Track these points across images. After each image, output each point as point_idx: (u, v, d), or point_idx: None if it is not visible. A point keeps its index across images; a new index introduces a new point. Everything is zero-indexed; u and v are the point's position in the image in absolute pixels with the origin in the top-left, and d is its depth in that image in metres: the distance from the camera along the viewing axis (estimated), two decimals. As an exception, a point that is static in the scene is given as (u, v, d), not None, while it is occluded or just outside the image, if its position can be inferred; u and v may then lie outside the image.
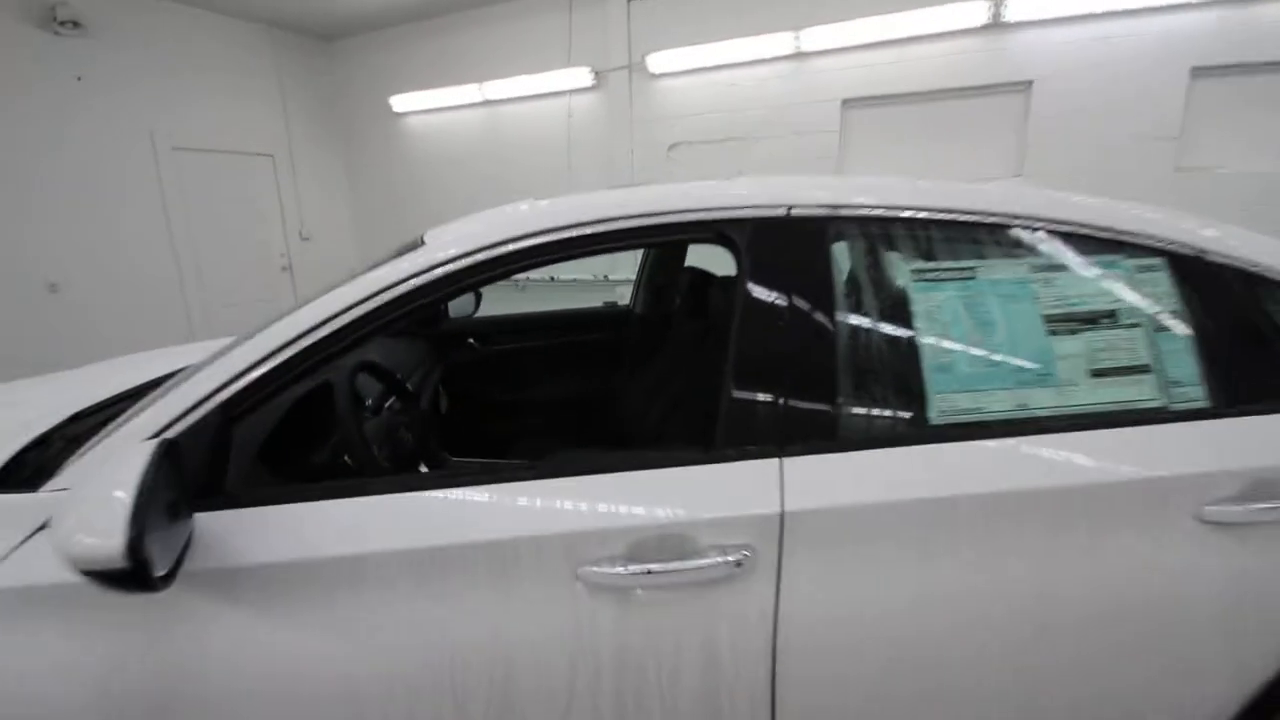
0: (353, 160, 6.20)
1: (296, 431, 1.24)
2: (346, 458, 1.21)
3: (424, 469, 1.40)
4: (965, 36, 3.91)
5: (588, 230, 1.02)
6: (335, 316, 0.95)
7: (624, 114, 4.83)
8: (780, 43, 4.22)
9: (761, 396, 0.97)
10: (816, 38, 4.13)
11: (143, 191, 4.73)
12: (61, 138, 4.23)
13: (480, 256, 0.98)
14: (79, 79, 4.31)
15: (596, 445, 2.05)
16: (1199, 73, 3.53)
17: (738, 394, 0.97)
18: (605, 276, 4.89)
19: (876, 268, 1.05)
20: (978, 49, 3.92)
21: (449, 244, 1.00)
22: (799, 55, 4.27)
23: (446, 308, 2.48)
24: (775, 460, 0.94)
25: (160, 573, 0.75)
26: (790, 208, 1.04)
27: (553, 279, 5.06)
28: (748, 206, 1.04)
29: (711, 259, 2.30)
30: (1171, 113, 3.62)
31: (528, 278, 5.01)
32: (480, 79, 5.16)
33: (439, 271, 0.98)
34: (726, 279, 1.47)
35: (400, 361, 2.02)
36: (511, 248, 0.99)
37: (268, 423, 1.14)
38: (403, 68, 5.60)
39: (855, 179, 1.10)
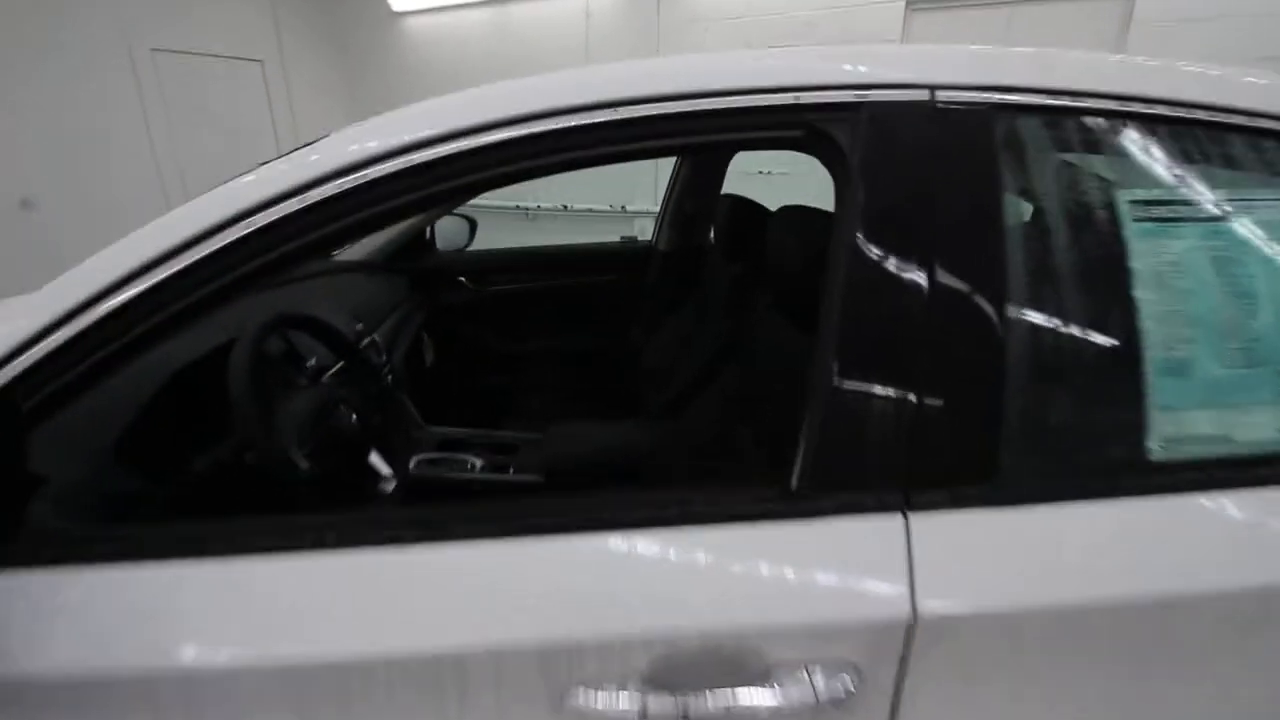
0: (351, 67, 5.65)
1: (203, 413, 0.89)
2: (249, 458, 0.85)
3: (378, 461, 1.05)
4: (1064, -78, 3.25)
5: (597, 118, 0.61)
6: (134, 278, 0.57)
7: (649, 16, 4.25)
8: (838, -72, 3.56)
9: (876, 404, 0.58)
10: (882, -78, 3.47)
11: (120, 98, 4.29)
12: (26, 33, 3.75)
13: (399, 163, 0.58)
14: (40, -37, 3.80)
15: (609, 414, 1.70)
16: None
17: (834, 397, 0.59)
18: (623, 207, 4.40)
19: (1075, 196, 0.63)
20: (1077, -62, 3.26)
21: (354, 144, 0.60)
22: (858, -56, 3.62)
23: (433, 237, 2.07)
24: (897, 517, 0.56)
25: None
26: (934, 90, 0.62)
27: (566, 207, 4.59)
28: (862, 87, 0.62)
29: (750, 186, 1.87)
30: (1311, 27, 3.01)
31: (538, 205, 4.56)
32: (487, -30, 4.54)
33: (329, 188, 0.58)
34: (791, 211, 1.04)
35: (369, 302, 1.64)
36: (458, 146, 0.59)
37: (129, 407, 0.78)
38: (401, -42, 4.96)
39: (1041, 51, 0.67)
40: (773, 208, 1.51)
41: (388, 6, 5.08)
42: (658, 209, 2.27)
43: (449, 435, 1.50)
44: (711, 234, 1.95)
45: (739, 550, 0.56)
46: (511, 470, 1.43)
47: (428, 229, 2.04)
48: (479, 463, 1.43)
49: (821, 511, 0.56)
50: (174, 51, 4.50)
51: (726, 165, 2.01)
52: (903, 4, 3.63)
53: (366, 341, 1.44)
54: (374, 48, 5.44)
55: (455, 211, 2.10)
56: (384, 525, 0.57)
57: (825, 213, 0.96)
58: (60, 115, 3.96)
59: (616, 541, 0.56)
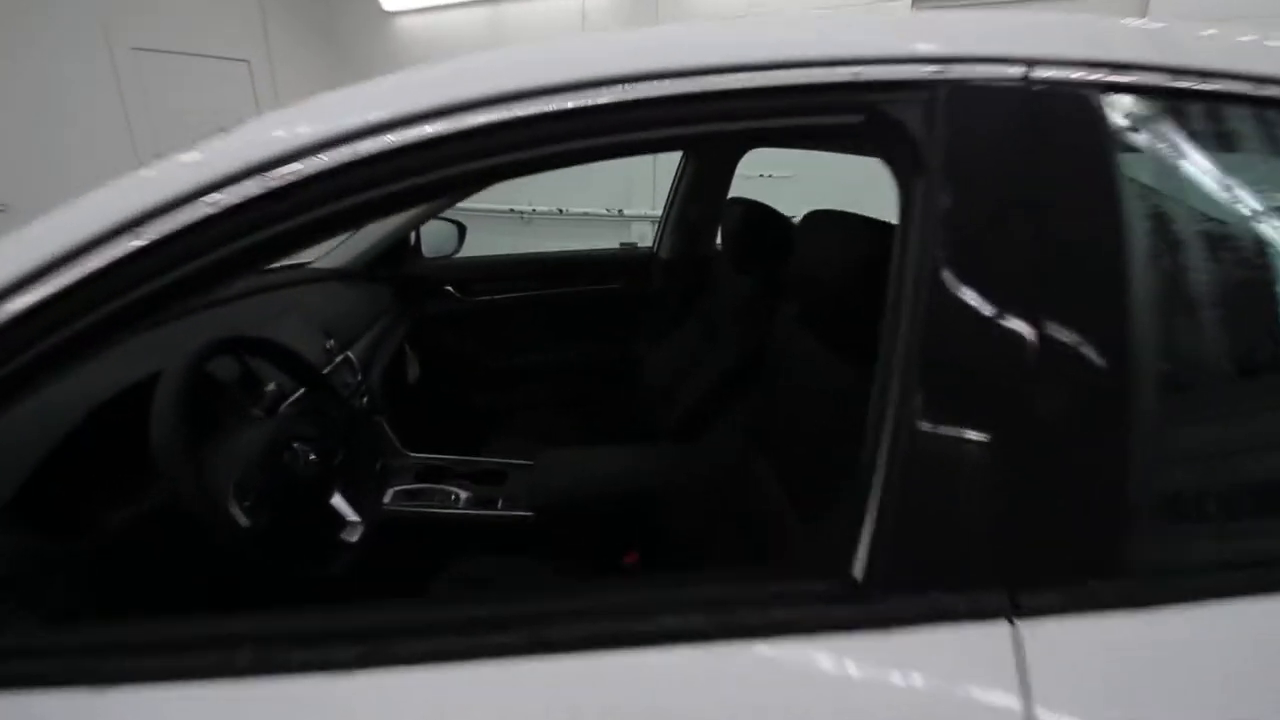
0: (340, 68, 5.51)
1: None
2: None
3: (346, 508, 0.90)
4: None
5: (600, 98, 0.47)
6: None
7: (648, 18, 4.13)
8: (843, -76, 3.44)
9: (967, 470, 0.44)
10: (889, -82, 3.36)
11: (100, 98, 4.15)
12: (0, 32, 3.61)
13: (345, 153, 0.44)
14: (11, -46, 3.65)
15: (607, 437, 1.56)
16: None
17: (909, 460, 0.45)
18: (620, 210, 4.27)
19: (1211, 203, 0.50)
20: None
21: (281, 130, 0.45)
22: (862, -60, 3.50)
23: (418, 242, 1.92)
24: (1003, 625, 0.42)
25: None
26: (1031, 65, 0.49)
27: (561, 211, 4.45)
28: (941, 60, 0.49)
29: (750, 190, 1.74)
30: (1334, 23, 2.90)
31: (534, 208, 4.42)
32: (480, -32, 4.42)
33: (250, 185, 0.44)
34: (822, 216, 0.91)
35: (346, 314, 1.50)
36: (420, 133, 0.45)
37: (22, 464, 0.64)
38: (391, -45, 4.84)
39: (1158, 23, 0.53)
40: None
41: (378, 6, 4.96)
42: (656, 212, 2.14)
43: (430, 463, 1.36)
44: (719, 240, 1.81)
45: (790, 678, 0.42)
46: (500, 503, 1.29)
47: (412, 233, 1.90)
48: (463, 494, 1.29)
49: (899, 619, 0.42)
50: (156, 51, 4.36)
51: (735, 165, 1.88)
52: (908, 6, 3.52)
53: (339, 360, 1.30)
54: (364, 48, 5.31)
55: (442, 215, 1.96)
56: (309, 643, 0.42)
57: (863, 219, 0.82)
58: (37, 116, 3.82)
59: (623, 667, 0.42)
